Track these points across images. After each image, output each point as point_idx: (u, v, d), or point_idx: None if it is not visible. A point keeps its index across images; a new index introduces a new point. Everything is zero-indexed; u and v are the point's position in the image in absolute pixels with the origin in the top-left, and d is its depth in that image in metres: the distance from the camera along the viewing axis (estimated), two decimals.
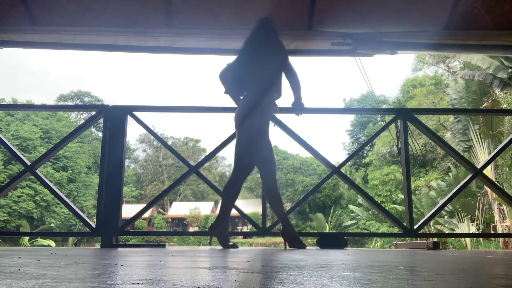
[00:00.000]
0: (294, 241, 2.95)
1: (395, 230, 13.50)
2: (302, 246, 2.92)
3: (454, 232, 12.54)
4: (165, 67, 71.81)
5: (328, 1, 3.45)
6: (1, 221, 26.41)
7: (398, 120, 3.55)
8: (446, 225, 13.32)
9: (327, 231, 23.85)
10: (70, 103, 40.31)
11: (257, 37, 3.05)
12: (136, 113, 3.49)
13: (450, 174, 14.79)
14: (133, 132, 48.54)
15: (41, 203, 27.85)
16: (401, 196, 21.96)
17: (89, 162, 34.80)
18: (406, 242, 5.15)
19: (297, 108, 3.12)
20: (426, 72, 27.16)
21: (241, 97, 3.08)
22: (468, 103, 13.02)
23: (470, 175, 3.58)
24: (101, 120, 3.50)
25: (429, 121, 19.20)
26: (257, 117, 2.90)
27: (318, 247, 3.20)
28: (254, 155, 2.94)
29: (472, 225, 12.98)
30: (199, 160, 4.22)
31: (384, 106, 28.69)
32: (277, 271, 1.19)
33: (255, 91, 2.96)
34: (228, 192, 2.95)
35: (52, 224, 28.25)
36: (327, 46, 3.57)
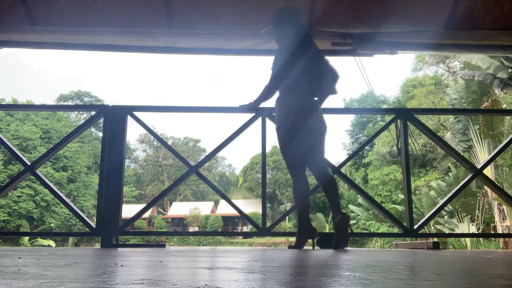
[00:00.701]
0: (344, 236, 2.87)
1: (395, 230, 13.49)
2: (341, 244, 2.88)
3: (454, 232, 12.54)
4: (165, 67, 71.90)
5: (328, 1, 3.45)
6: (1, 221, 26.42)
7: (398, 120, 3.55)
8: (446, 225, 13.32)
9: (327, 231, 23.85)
10: (70, 103, 40.33)
11: (304, 32, 2.99)
12: (136, 113, 3.49)
13: (450, 174, 14.79)
14: (133, 132, 48.60)
15: (41, 203, 27.85)
16: (401, 196, 21.95)
17: (89, 162, 34.81)
18: (406, 242, 5.15)
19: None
20: (426, 72, 27.20)
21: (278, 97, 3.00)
22: (468, 103, 13.02)
23: (470, 175, 3.58)
24: (101, 120, 3.50)
25: (429, 121, 19.21)
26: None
27: (318, 247, 3.20)
28: (290, 152, 2.92)
29: (472, 225, 12.98)
30: (199, 160, 4.22)
31: (384, 106, 28.69)
32: (277, 271, 1.19)
33: (309, 91, 2.92)
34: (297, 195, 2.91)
35: (52, 224, 28.27)
36: (327, 46, 3.57)
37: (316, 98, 2.97)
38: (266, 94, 2.97)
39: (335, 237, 2.87)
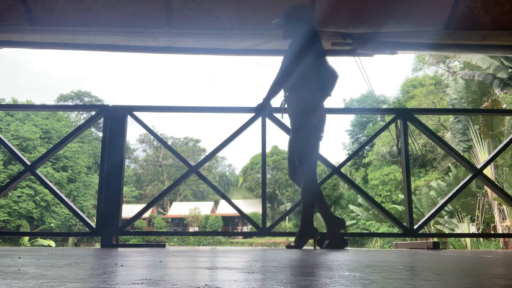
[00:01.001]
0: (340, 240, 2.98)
1: (395, 230, 13.49)
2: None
3: (454, 232, 12.54)
4: (165, 67, 71.91)
5: (328, 1, 3.45)
6: (1, 221, 26.42)
7: (398, 120, 3.55)
8: (446, 225, 13.32)
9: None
10: (70, 103, 40.33)
11: (315, 31, 3.03)
12: (136, 113, 3.49)
13: (450, 174, 14.79)
14: (133, 132, 48.60)
15: (41, 203, 27.85)
16: (401, 196, 21.96)
17: (89, 162, 34.82)
18: (406, 242, 5.15)
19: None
20: (426, 72, 27.21)
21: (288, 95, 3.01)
22: (468, 103, 13.02)
23: (470, 175, 3.58)
24: (101, 120, 3.50)
25: (429, 121, 19.21)
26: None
27: (318, 247, 3.20)
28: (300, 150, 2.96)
29: (472, 225, 12.98)
30: (199, 160, 4.22)
31: (384, 106, 28.70)
32: (277, 271, 1.19)
33: (320, 89, 2.97)
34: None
35: (52, 224, 28.27)
36: (327, 46, 3.57)
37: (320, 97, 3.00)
38: (274, 89, 2.98)
39: (330, 241, 2.98)
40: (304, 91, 2.92)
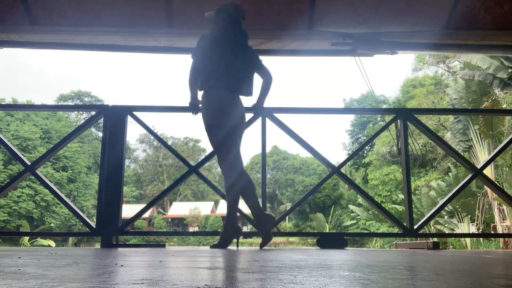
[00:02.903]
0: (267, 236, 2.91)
1: (395, 230, 13.49)
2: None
3: (454, 232, 12.54)
4: (165, 67, 71.90)
5: (328, 1, 3.45)
6: (1, 221, 26.42)
7: (398, 120, 3.55)
8: (446, 225, 13.32)
9: (327, 231, 23.85)
10: (70, 103, 40.31)
11: (236, 27, 2.92)
12: (136, 113, 3.49)
13: (450, 174, 14.79)
14: (133, 132, 48.61)
15: (41, 203, 27.84)
16: (401, 196, 21.95)
17: (89, 162, 34.80)
18: (406, 242, 5.15)
19: (257, 109, 3.14)
20: (426, 72, 27.21)
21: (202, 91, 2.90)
22: (468, 103, 13.02)
23: (470, 175, 3.58)
24: (101, 120, 3.50)
25: (429, 121, 19.21)
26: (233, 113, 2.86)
27: (318, 247, 3.20)
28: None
29: (472, 225, 12.98)
30: (199, 160, 4.22)
31: (384, 106, 28.70)
32: (277, 271, 1.19)
33: (228, 86, 2.84)
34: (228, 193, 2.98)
35: (52, 224, 28.26)
36: (327, 46, 3.57)
37: (236, 95, 2.91)
38: (189, 86, 2.91)
39: (262, 238, 2.94)
40: (212, 91, 2.84)
